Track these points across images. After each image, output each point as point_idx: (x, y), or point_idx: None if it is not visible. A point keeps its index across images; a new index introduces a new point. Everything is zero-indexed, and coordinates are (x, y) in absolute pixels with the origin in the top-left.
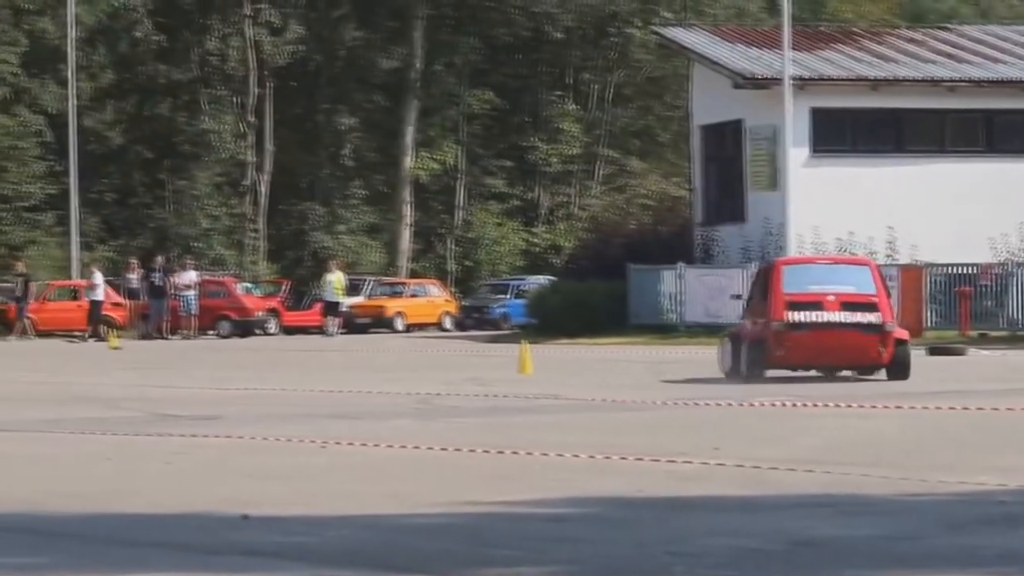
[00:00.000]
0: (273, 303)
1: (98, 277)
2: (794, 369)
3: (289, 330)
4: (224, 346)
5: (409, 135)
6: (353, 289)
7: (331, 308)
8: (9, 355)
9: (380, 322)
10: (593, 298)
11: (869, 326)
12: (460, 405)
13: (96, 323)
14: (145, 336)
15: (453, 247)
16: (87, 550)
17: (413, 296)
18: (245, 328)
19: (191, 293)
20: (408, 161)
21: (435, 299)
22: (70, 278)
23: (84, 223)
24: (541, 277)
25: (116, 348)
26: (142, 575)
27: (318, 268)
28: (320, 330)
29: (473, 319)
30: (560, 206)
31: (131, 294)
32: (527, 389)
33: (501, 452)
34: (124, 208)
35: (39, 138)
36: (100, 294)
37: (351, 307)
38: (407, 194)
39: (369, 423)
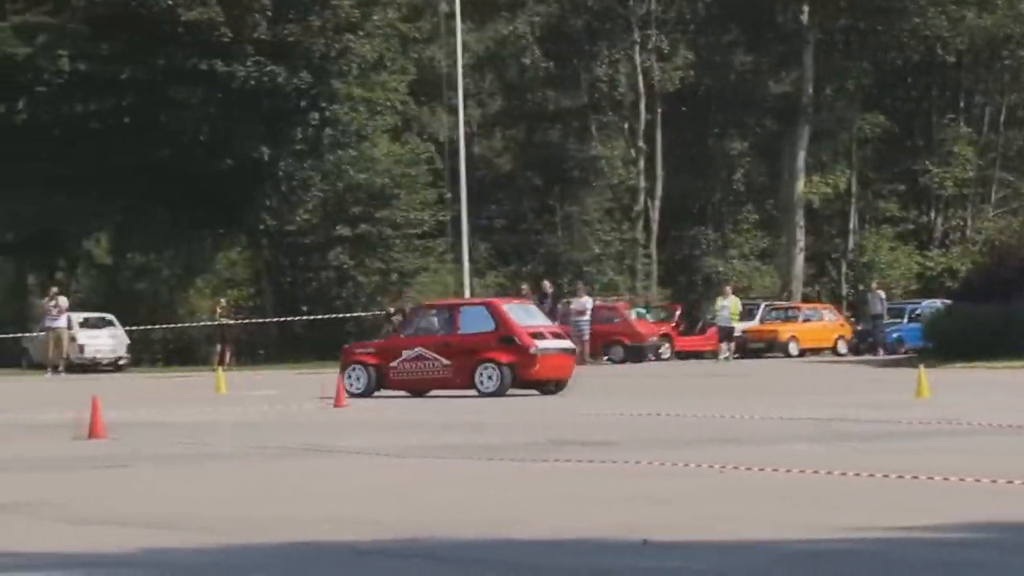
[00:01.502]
0: (666, 328)
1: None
2: (524, 387)
3: (682, 355)
4: (616, 372)
5: (800, 159)
6: (746, 314)
7: (726, 333)
8: None
9: (773, 347)
10: (989, 322)
11: (571, 350)
12: (856, 429)
13: None
14: None
15: (846, 271)
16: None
17: (806, 321)
18: (638, 353)
19: (584, 319)
20: (800, 185)
21: (829, 323)
22: None
23: (474, 249)
24: (936, 301)
25: None
26: None
27: (709, 293)
28: (712, 355)
29: (867, 343)
30: (954, 229)
31: None
32: (923, 413)
33: (900, 476)
34: (514, 234)
35: (429, 165)
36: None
37: (744, 332)
38: (799, 218)
39: (764, 447)
